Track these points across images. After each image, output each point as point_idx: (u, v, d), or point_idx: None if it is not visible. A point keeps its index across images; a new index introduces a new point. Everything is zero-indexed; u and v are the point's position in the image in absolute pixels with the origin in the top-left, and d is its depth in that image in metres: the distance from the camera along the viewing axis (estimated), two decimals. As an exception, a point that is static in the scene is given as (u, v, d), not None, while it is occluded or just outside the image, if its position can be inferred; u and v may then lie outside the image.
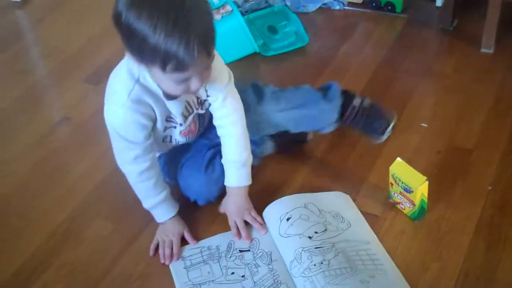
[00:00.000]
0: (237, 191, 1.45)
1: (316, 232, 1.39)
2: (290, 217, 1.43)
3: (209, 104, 1.42)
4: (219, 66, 1.36)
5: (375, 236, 1.41)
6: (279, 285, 1.33)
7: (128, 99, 1.28)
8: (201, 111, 1.43)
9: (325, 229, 1.41)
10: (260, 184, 1.54)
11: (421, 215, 1.45)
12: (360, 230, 1.42)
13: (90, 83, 1.96)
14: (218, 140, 1.46)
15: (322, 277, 1.29)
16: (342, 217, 1.45)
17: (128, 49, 1.21)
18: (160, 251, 1.42)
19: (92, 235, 1.50)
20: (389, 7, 2.16)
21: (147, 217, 1.47)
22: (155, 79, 1.27)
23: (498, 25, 1.90)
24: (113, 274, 1.40)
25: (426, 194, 1.42)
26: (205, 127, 1.52)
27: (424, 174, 1.41)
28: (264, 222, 1.46)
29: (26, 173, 1.68)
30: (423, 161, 1.57)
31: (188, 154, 1.50)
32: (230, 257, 1.40)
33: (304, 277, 1.30)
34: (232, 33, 1.96)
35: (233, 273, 1.37)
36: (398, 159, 1.45)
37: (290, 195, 1.50)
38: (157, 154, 1.49)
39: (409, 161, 1.45)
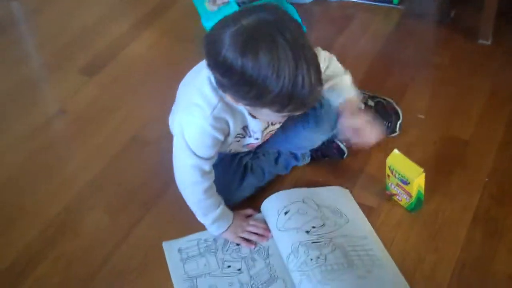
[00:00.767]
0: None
1: (313, 227, 1.39)
2: (288, 211, 1.42)
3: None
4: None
5: (373, 230, 1.41)
6: (276, 279, 1.33)
7: (211, 115, 1.26)
8: (278, 125, 1.42)
9: (323, 224, 1.40)
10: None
11: (417, 207, 1.44)
12: (359, 225, 1.42)
13: (85, 74, 1.95)
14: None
15: (319, 272, 1.28)
16: (340, 212, 1.44)
17: (232, 94, 1.19)
18: (253, 241, 1.40)
19: (88, 227, 1.49)
20: (386, -2, 2.15)
21: (144, 209, 1.46)
22: (255, 113, 1.27)
23: (495, 17, 1.89)
24: (110, 266, 1.40)
25: (423, 186, 1.42)
26: None
27: (421, 166, 1.41)
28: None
29: (21, 165, 1.67)
30: (420, 153, 1.56)
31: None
32: (227, 250, 1.40)
33: (300, 271, 1.30)
34: (229, 24, 1.95)
35: (229, 266, 1.37)
36: (395, 150, 1.45)
37: (288, 189, 1.50)
38: None
39: (406, 153, 1.44)
